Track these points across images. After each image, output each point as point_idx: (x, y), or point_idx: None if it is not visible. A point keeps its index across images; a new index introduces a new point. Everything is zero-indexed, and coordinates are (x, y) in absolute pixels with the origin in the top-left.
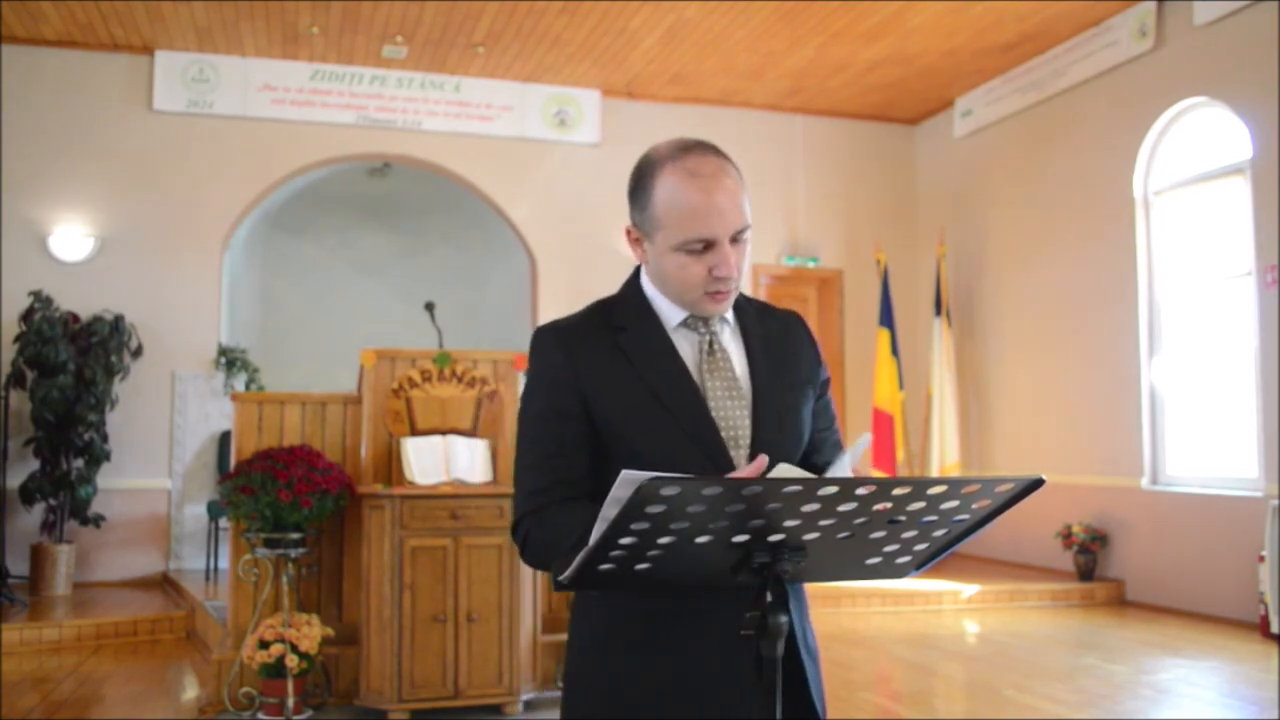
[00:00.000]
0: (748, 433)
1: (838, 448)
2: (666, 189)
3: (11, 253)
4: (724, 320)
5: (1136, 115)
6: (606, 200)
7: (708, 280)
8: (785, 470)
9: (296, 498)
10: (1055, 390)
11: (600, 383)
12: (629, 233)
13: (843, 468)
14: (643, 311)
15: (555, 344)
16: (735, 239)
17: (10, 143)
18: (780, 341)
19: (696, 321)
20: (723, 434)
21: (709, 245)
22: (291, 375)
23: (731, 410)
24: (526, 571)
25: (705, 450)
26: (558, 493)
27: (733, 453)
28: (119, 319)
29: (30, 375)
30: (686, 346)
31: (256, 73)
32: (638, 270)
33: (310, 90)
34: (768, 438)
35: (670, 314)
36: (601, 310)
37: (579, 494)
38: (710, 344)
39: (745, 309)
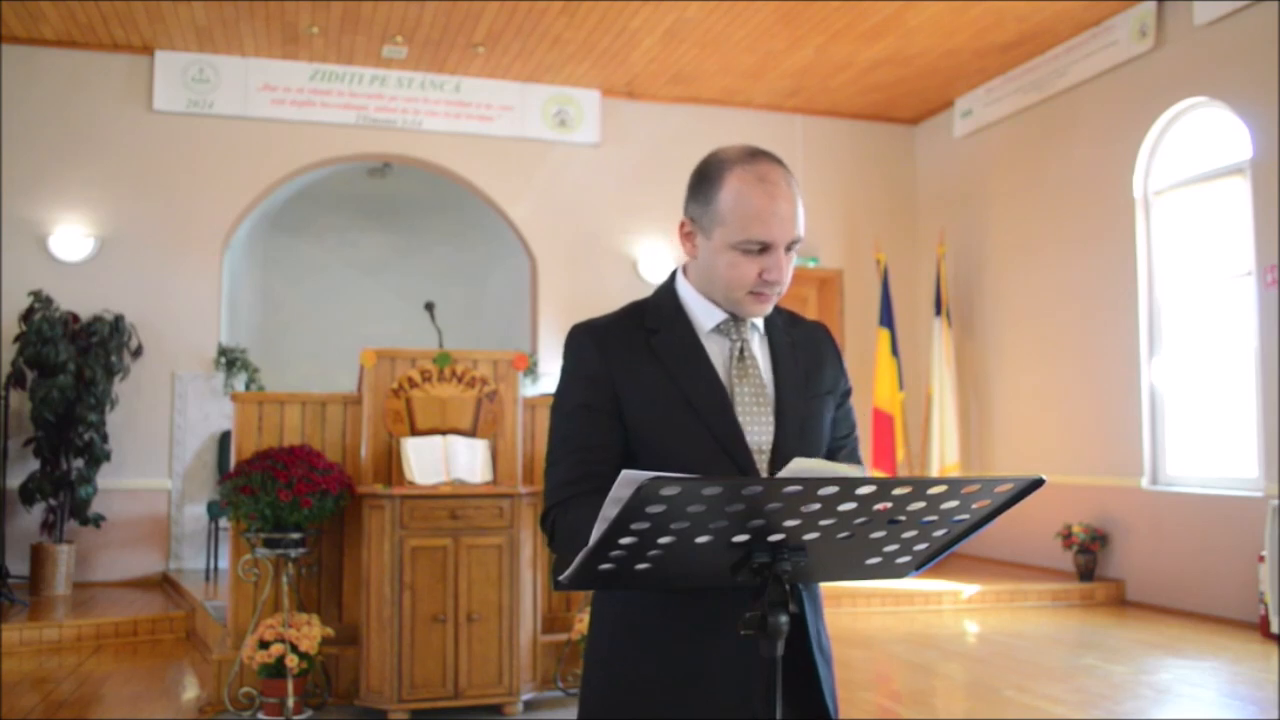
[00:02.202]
0: (770, 439)
1: (853, 455)
2: (734, 188)
3: (11, 253)
4: (753, 327)
5: (1136, 115)
6: (607, 200)
7: (756, 281)
8: (801, 465)
9: (296, 498)
10: (1055, 390)
11: (632, 383)
12: (682, 226)
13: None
14: (676, 315)
15: (591, 342)
16: (788, 248)
17: (10, 143)
18: (805, 350)
19: (729, 327)
20: (748, 439)
21: (765, 248)
22: (291, 375)
23: (757, 416)
24: (526, 571)
25: (731, 454)
26: (587, 485)
27: (756, 458)
28: (119, 319)
29: (30, 375)
30: (717, 352)
31: (256, 73)
32: (673, 274)
33: (310, 90)
34: (789, 445)
35: (703, 318)
36: (635, 312)
37: (605, 488)
38: (741, 350)
39: (773, 317)
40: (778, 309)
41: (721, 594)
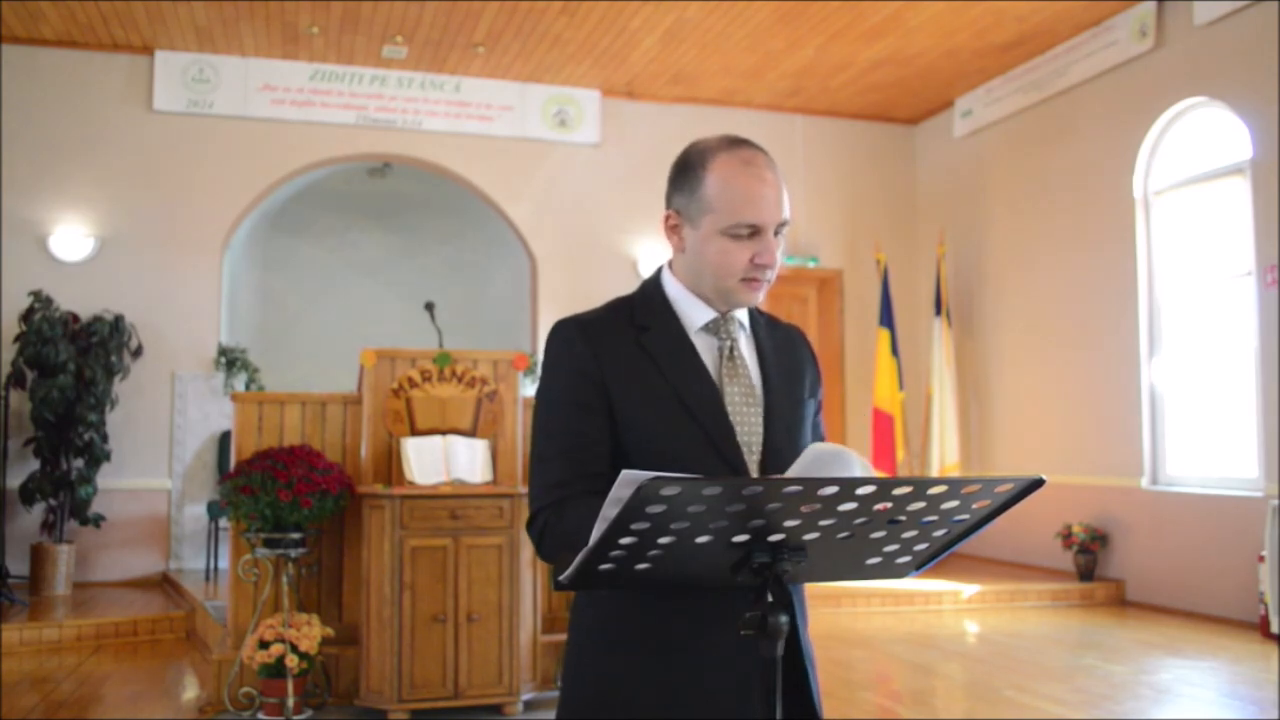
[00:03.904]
0: (760, 439)
1: None
2: (720, 174)
3: (11, 253)
4: (741, 327)
5: (1136, 115)
6: (606, 200)
7: (748, 267)
8: (819, 449)
9: (296, 498)
10: (1055, 390)
11: (624, 379)
12: (667, 219)
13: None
14: (665, 312)
15: (579, 336)
16: (776, 231)
17: (10, 143)
18: (786, 354)
19: (718, 325)
20: (739, 438)
21: (755, 231)
22: (291, 375)
23: (747, 416)
24: (526, 571)
25: (722, 454)
26: (579, 485)
27: (746, 458)
28: (119, 319)
29: (30, 375)
30: (706, 351)
31: (256, 73)
32: (658, 271)
33: (310, 90)
34: (778, 445)
35: (692, 316)
36: (623, 308)
37: (600, 489)
38: (730, 350)
39: (756, 319)
40: (759, 311)
41: (705, 594)
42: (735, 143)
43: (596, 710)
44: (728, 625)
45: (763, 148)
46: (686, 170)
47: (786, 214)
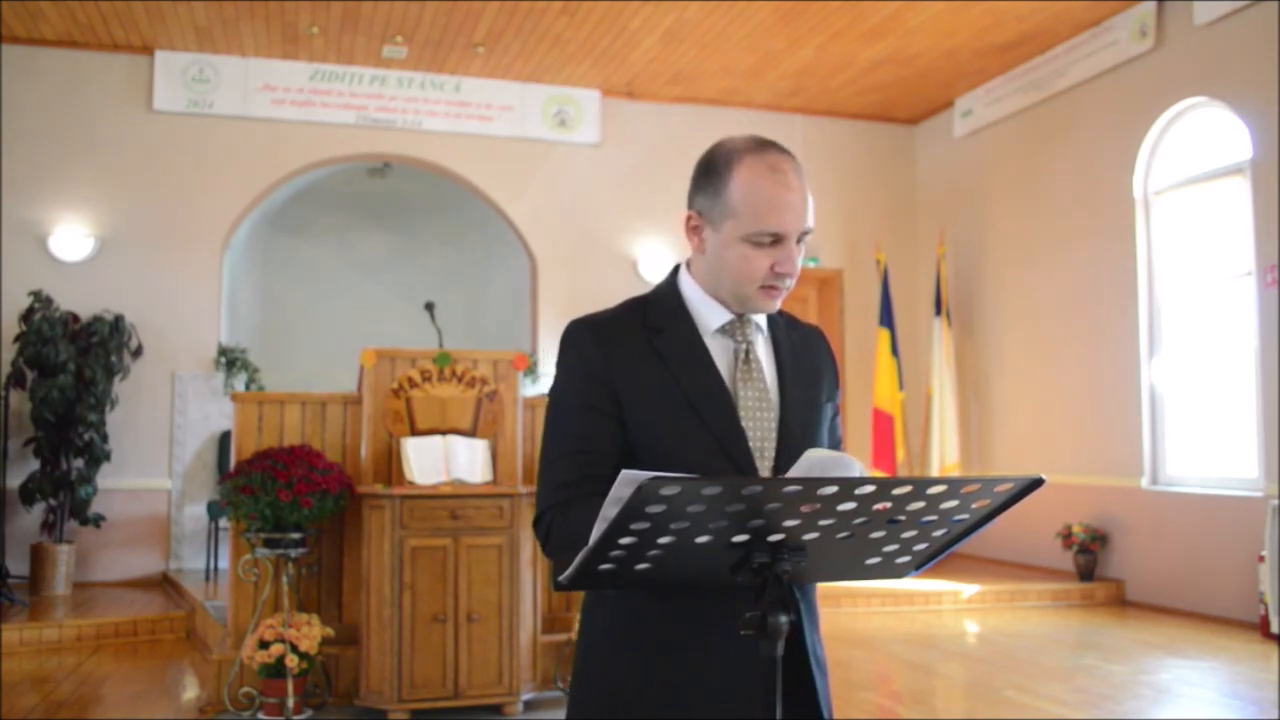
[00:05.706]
0: (774, 444)
1: None
2: (745, 179)
3: (11, 253)
4: (758, 329)
5: (1136, 115)
6: (607, 200)
7: (768, 275)
8: (816, 454)
9: (296, 498)
10: (1055, 390)
11: (634, 382)
12: (689, 219)
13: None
14: (679, 314)
15: (592, 338)
16: (799, 239)
17: (10, 143)
18: (805, 356)
19: (734, 327)
20: (750, 443)
21: (777, 240)
22: (291, 375)
23: (761, 421)
24: (526, 571)
25: (732, 458)
26: (585, 487)
27: (758, 462)
28: (119, 319)
29: (30, 375)
30: (721, 353)
31: (256, 73)
32: (675, 270)
33: (310, 90)
34: (792, 450)
35: (708, 318)
36: (637, 309)
37: (605, 491)
38: (746, 353)
39: (776, 320)
40: (779, 311)
41: (713, 595)
42: (762, 145)
43: (600, 711)
44: (728, 625)
45: (790, 151)
46: (710, 172)
47: (810, 222)
